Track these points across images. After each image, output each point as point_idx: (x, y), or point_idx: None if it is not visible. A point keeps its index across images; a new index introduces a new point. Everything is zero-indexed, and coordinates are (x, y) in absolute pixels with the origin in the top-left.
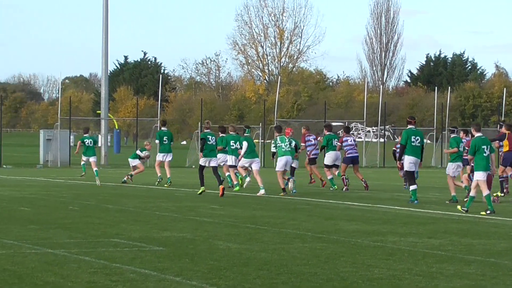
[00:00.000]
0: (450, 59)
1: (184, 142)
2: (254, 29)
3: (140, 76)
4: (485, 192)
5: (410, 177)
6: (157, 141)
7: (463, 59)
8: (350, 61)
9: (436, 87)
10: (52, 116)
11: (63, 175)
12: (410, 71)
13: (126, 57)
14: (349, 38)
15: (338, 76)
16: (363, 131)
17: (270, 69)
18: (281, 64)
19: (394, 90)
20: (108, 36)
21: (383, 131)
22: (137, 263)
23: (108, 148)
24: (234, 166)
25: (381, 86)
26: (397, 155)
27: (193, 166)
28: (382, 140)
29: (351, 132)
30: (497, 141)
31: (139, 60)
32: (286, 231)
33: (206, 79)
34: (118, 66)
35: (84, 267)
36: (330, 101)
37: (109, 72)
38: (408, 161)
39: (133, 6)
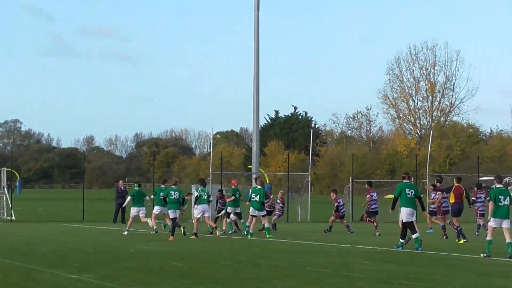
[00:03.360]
0: None
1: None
2: (405, 83)
3: (290, 131)
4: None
5: (411, 226)
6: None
7: None
8: (503, 113)
9: None
10: (204, 170)
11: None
12: None
13: (277, 112)
14: (501, 90)
15: (491, 130)
16: None
17: (421, 122)
18: (433, 117)
19: None
20: (259, 91)
21: None
22: None
23: None
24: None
25: None
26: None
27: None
28: None
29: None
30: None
31: (289, 114)
32: None
33: (357, 133)
34: (269, 120)
35: None
36: (483, 155)
37: (260, 126)
38: (405, 212)
39: (283, 61)
